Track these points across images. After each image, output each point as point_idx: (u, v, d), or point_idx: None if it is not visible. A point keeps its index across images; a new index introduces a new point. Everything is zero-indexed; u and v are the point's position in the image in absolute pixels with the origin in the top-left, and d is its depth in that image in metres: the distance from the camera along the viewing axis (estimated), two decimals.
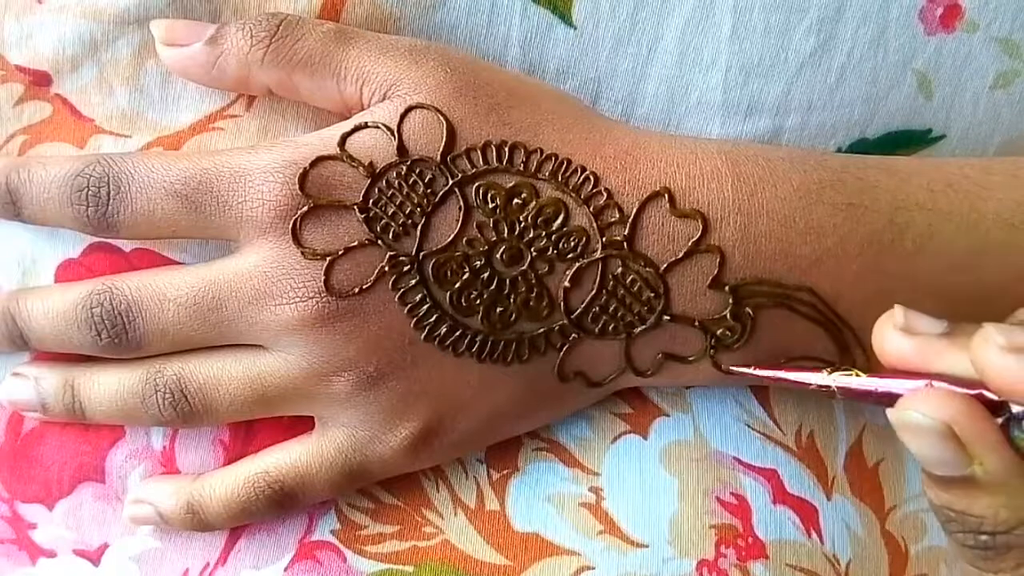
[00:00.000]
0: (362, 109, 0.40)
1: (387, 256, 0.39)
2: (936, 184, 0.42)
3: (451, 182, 0.39)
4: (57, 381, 0.43)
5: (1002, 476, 0.32)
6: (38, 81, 0.42)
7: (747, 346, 0.41)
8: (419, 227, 0.39)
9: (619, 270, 0.40)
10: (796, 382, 0.37)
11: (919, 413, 0.32)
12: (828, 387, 0.36)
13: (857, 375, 0.35)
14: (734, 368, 0.41)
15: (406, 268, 0.39)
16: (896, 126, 0.44)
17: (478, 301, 0.40)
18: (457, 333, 0.40)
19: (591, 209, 0.40)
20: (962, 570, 0.35)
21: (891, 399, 0.33)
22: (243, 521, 0.43)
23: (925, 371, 0.33)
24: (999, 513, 0.33)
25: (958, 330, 0.34)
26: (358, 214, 0.39)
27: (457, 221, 0.39)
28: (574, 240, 0.40)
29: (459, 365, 0.40)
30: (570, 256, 0.40)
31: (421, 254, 0.39)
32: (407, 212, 0.39)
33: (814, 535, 0.44)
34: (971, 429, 0.32)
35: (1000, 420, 0.32)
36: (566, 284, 0.40)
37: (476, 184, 0.39)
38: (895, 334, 0.34)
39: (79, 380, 0.43)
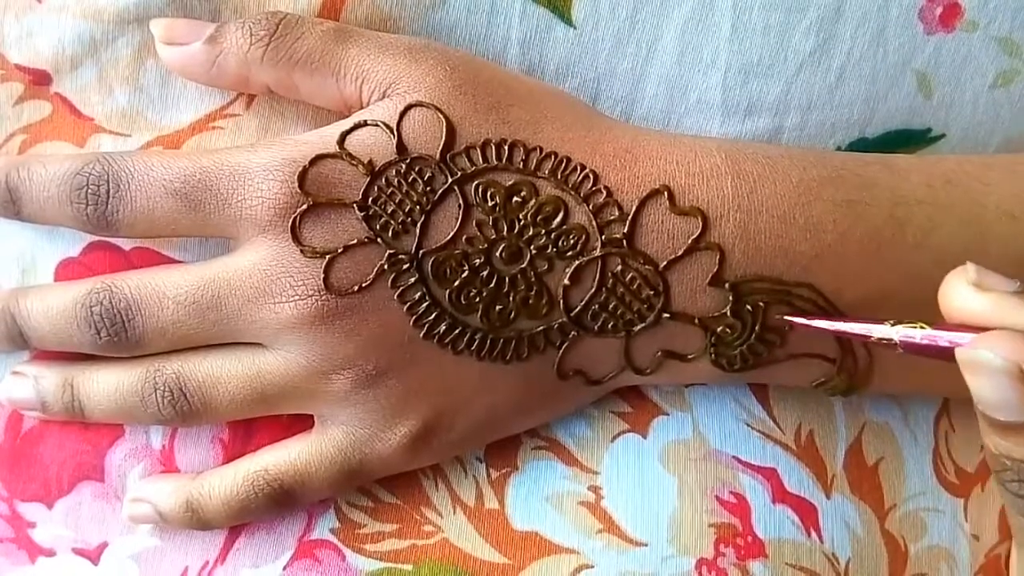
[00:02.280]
0: (361, 107, 0.40)
1: (386, 254, 0.39)
2: (935, 180, 0.42)
3: (450, 180, 0.39)
4: (56, 380, 0.43)
5: None
6: (38, 80, 0.42)
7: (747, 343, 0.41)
8: (418, 225, 0.39)
9: (618, 268, 0.40)
10: (857, 334, 0.36)
11: (990, 352, 0.31)
12: (890, 340, 0.35)
13: (922, 327, 0.34)
14: (789, 318, 0.39)
15: (405, 266, 0.39)
16: (895, 125, 0.44)
17: (477, 299, 0.40)
18: (456, 331, 0.40)
19: (590, 207, 0.40)
20: (1015, 526, 0.35)
21: (953, 354, 0.33)
22: (242, 519, 0.43)
23: (995, 326, 0.32)
24: None
25: None
26: (357, 212, 0.39)
27: (456, 219, 0.39)
28: (573, 238, 0.40)
29: (458, 363, 0.40)
30: (569, 254, 0.40)
31: (420, 252, 0.39)
32: (406, 210, 0.39)
33: (813, 534, 0.44)
34: None
35: None
36: (565, 282, 0.40)
37: (475, 182, 0.39)
38: (967, 289, 0.33)
39: (78, 379, 0.43)
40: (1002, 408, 0.32)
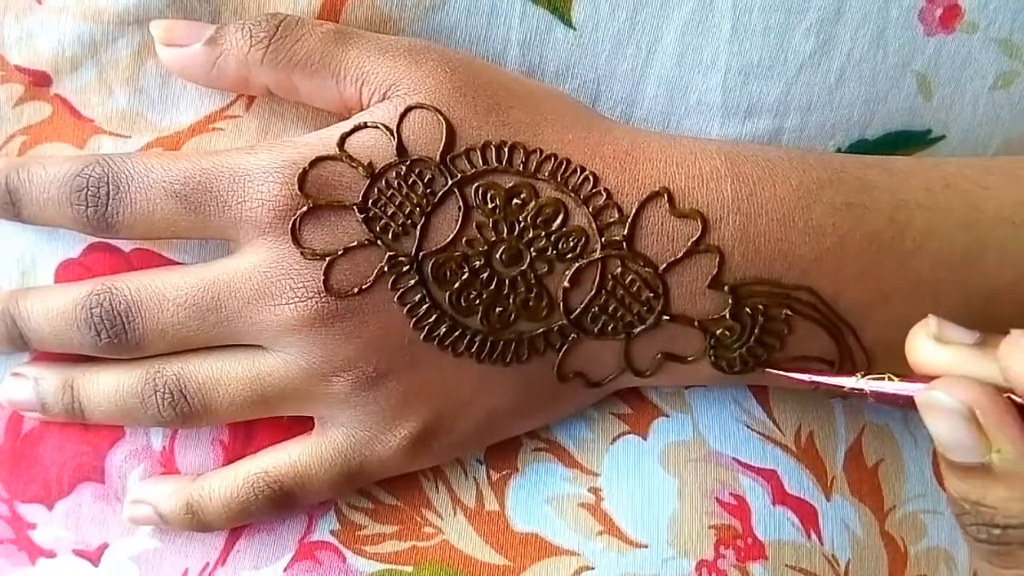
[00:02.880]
0: (361, 109, 0.40)
1: (386, 256, 0.39)
2: (935, 184, 0.42)
3: (450, 182, 0.39)
4: (57, 381, 0.43)
5: (1018, 467, 0.33)
6: (38, 81, 0.42)
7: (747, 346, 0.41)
8: (418, 227, 0.39)
9: (618, 270, 0.40)
10: (830, 385, 0.39)
11: (946, 394, 0.33)
12: (862, 390, 0.37)
13: (890, 379, 0.36)
14: (769, 371, 0.41)
15: (405, 268, 0.39)
16: (895, 127, 0.44)
17: (477, 301, 0.40)
18: (456, 333, 0.40)
19: (590, 209, 0.40)
20: (979, 570, 0.35)
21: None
22: (242, 521, 0.43)
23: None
24: (1011, 505, 0.33)
25: (990, 340, 0.34)
26: (357, 214, 0.39)
27: (456, 221, 0.39)
28: (573, 240, 0.40)
29: (458, 365, 0.40)
30: (569, 256, 0.40)
31: (420, 254, 0.39)
32: (406, 212, 0.39)
33: (813, 536, 0.44)
34: (993, 416, 0.33)
35: None
36: (565, 284, 0.40)
37: (475, 184, 0.39)
38: (929, 343, 0.35)
39: (79, 380, 0.43)
40: (957, 449, 0.33)
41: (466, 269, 0.39)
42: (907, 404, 0.35)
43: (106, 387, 0.42)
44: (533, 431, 0.44)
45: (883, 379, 0.36)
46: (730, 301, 0.40)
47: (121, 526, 0.44)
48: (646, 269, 0.40)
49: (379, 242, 0.39)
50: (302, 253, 0.39)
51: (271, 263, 0.39)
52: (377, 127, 0.39)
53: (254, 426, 0.43)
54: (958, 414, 0.33)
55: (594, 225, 0.40)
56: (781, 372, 0.41)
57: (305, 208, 0.39)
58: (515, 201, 0.39)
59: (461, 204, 0.39)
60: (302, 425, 0.43)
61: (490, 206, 0.39)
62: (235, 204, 0.39)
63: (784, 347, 0.41)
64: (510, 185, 0.39)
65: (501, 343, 0.40)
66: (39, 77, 0.42)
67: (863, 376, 0.37)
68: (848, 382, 0.37)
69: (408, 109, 0.39)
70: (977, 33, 0.43)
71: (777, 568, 0.44)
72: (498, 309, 0.40)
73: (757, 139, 0.43)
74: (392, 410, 0.41)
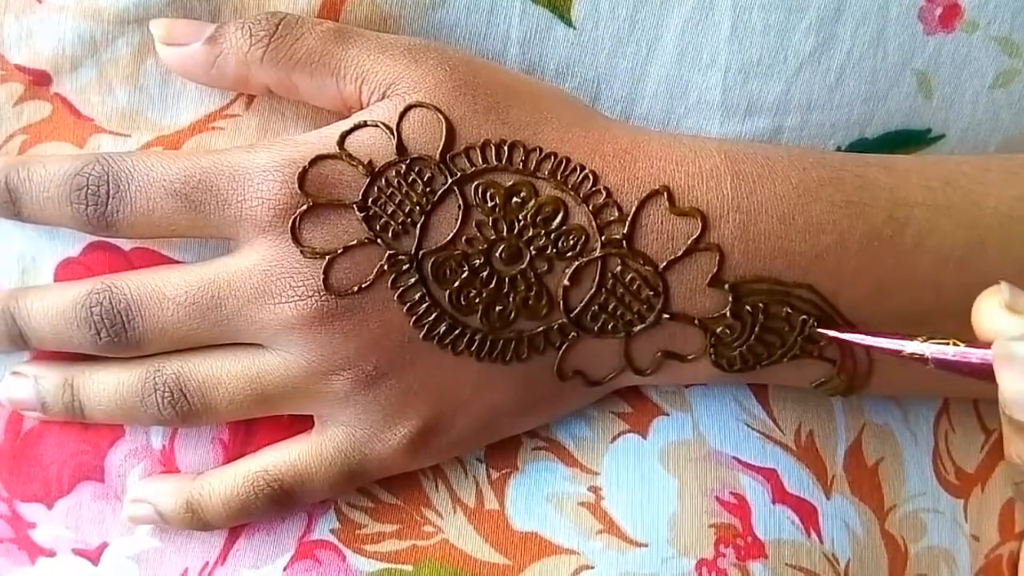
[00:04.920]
0: (361, 108, 0.40)
1: (386, 255, 0.39)
2: (934, 181, 0.42)
3: (450, 181, 0.39)
4: (56, 380, 0.43)
5: None
6: (38, 80, 0.42)
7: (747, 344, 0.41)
8: (418, 226, 0.39)
9: (618, 268, 0.40)
10: (889, 349, 0.37)
11: None
12: (922, 355, 0.35)
13: (955, 344, 0.34)
14: (823, 331, 0.40)
15: (405, 267, 0.39)
16: (895, 126, 0.44)
17: (477, 300, 0.40)
18: (456, 332, 0.40)
19: (590, 207, 0.40)
20: None
21: (986, 371, 0.33)
22: (242, 520, 0.43)
23: None
24: None
25: None
26: (357, 213, 0.39)
27: (456, 220, 0.39)
28: (573, 239, 0.40)
29: (458, 364, 0.40)
30: (569, 255, 0.40)
31: (420, 253, 0.39)
32: (406, 211, 0.39)
33: (813, 535, 0.44)
34: None
35: None
36: (565, 283, 0.40)
37: (475, 183, 0.39)
38: (1000, 311, 0.33)
39: (78, 379, 0.43)
40: None
41: (466, 268, 0.39)
42: (969, 371, 0.33)
43: (106, 386, 0.42)
44: (533, 430, 0.44)
45: (946, 344, 0.34)
46: (730, 299, 0.40)
47: (121, 525, 0.44)
48: (646, 267, 0.40)
49: (379, 241, 0.39)
50: (302, 252, 0.39)
51: (271, 262, 0.39)
52: (377, 126, 0.39)
53: (254, 425, 0.43)
54: None
55: (594, 223, 0.40)
56: (835, 333, 0.40)
57: (305, 207, 0.39)
58: (515, 200, 0.39)
59: (461, 203, 0.39)
60: (302, 424, 0.43)
61: (490, 205, 0.39)
62: (235, 202, 0.39)
63: (784, 345, 0.41)
64: (510, 184, 0.39)
65: (501, 342, 0.40)
66: (39, 76, 0.42)
67: (925, 340, 0.35)
68: (909, 346, 0.35)
69: (408, 108, 0.39)
70: (977, 32, 0.43)
71: (777, 567, 0.43)
72: (498, 308, 0.40)
73: (757, 138, 0.43)
74: (392, 409, 0.41)
